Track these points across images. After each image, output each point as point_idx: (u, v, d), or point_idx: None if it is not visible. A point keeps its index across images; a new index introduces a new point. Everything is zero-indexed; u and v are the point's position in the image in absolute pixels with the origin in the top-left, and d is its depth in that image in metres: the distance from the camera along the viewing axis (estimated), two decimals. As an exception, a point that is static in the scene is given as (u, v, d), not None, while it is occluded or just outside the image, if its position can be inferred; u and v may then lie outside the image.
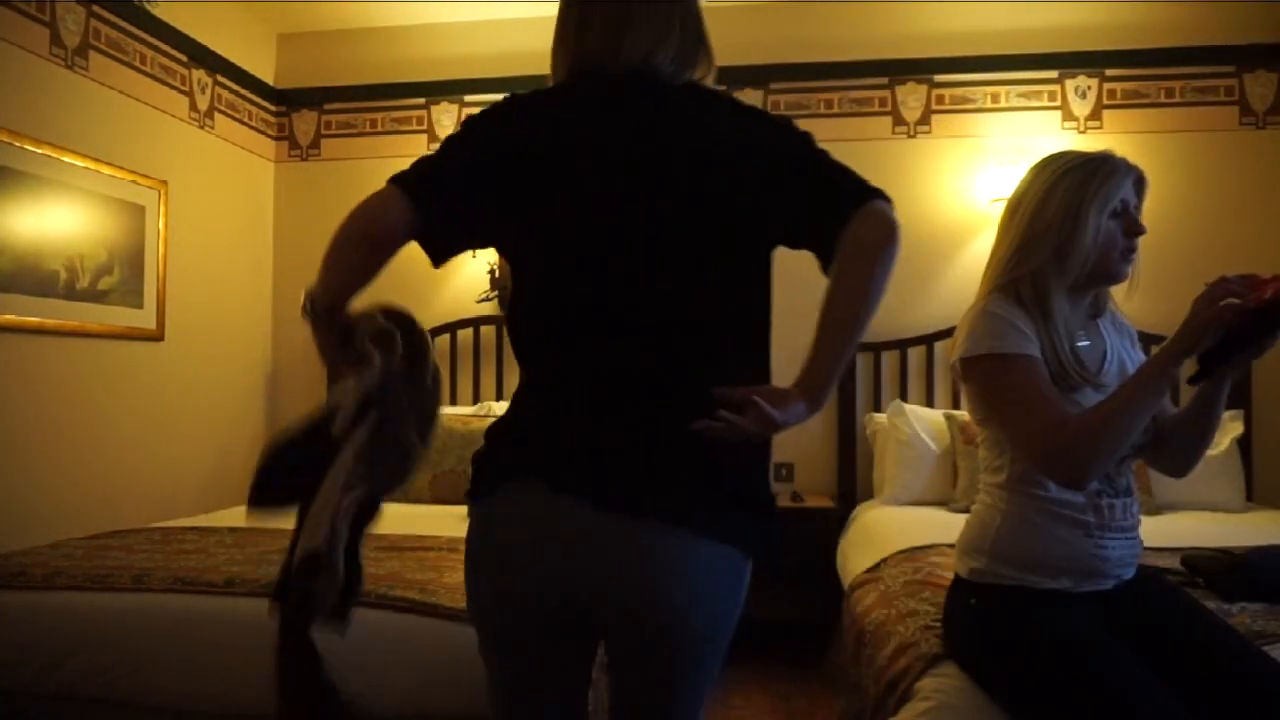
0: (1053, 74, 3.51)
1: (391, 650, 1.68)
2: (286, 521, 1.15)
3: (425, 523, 2.67)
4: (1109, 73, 3.48)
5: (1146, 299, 1.47)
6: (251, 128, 3.83)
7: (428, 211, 1.10)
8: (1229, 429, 3.09)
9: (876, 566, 2.20)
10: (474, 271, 3.70)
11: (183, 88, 3.41)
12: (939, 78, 3.56)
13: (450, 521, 2.71)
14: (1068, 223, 1.35)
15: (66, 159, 2.83)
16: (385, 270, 1.09)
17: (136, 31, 3.16)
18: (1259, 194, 3.39)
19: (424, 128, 3.84)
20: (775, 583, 3.38)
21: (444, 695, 1.66)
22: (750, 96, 3.63)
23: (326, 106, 3.93)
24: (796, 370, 1.06)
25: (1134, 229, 1.38)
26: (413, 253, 1.13)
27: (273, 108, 3.95)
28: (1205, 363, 1.27)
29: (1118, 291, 1.49)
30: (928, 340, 3.48)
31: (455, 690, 1.66)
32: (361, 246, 1.09)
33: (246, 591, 1.80)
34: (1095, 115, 3.49)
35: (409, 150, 3.82)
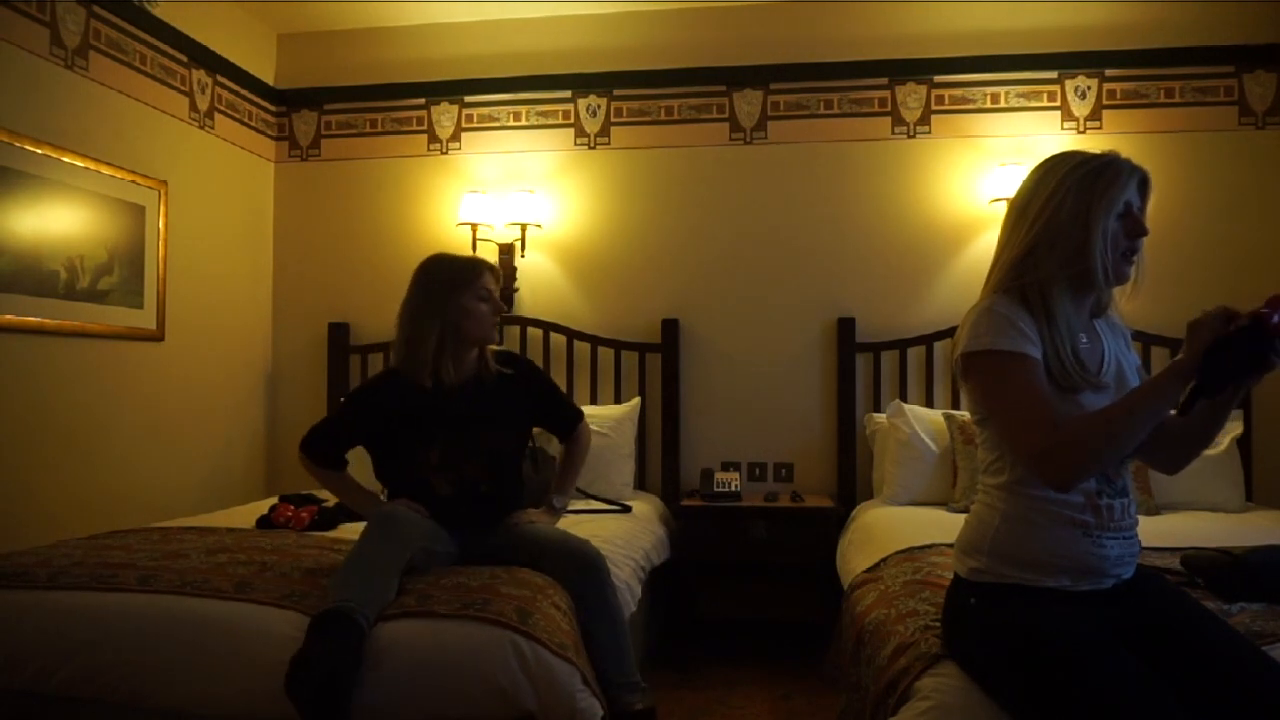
0: (1052, 74, 3.51)
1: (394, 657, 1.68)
2: None
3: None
4: (1109, 73, 3.48)
5: (1145, 299, 1.47)
6: (251, 128, 3.83)
7: None
8: (1229, 429, 3.09)
9: (876, 566, 2.20)
10: (474, 271, 3.69)
11: (183, 88, 3.41)
12: (939, 78, 3.56)
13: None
14: (1077, 231, 1.35)
15: (66, 159, 2.83)
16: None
17: (136, 31, 3.16)
18: (1258, 194, 3.39)
19: (424, 128, 3.83)
20: (775, 583, 3.41)
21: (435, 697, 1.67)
22: (750, 96, 3.63)
23: (326, 107, 3.93)
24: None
25: (1136, 230, 1.38)
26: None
27: (273, 108, 3.95)
28: (1196, 392, 1.22)
29: (1118, 292, 1.49)
30: (927, 340, 3.48)
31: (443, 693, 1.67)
32: None
33: (255, 599, 1.80)
34: (1095, 115, 3.49)
35: (409, 150, 3.82)
